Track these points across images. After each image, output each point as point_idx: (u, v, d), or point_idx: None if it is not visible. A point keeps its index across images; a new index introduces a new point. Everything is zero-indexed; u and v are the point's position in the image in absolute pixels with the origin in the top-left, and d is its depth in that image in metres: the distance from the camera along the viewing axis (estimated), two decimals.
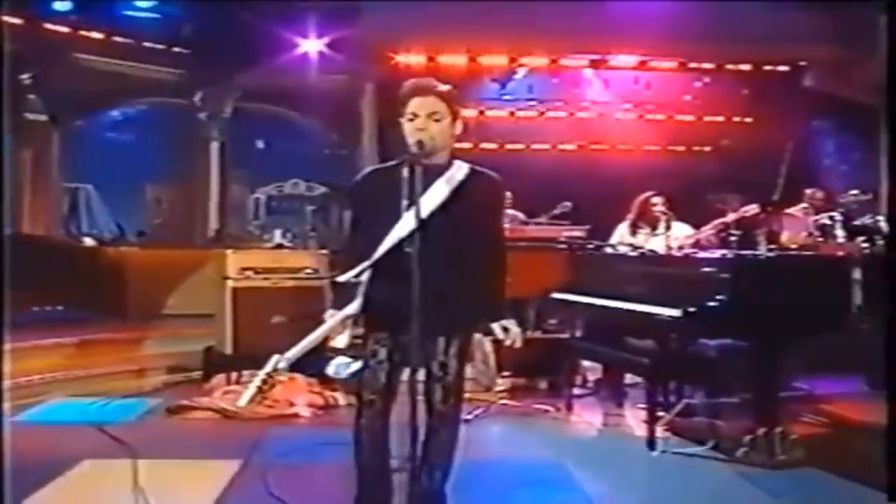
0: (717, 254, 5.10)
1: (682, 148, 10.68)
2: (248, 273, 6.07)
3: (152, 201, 11.73)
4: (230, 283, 6.04)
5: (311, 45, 10.39)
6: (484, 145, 10.49)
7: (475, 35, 9.19)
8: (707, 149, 10.36)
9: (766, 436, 4.29)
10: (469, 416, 4.92)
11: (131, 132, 11.17)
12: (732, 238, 6.18)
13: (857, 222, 6.78)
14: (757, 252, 5.06)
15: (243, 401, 3.00)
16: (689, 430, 4.77)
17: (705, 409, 4.75)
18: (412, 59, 9.32)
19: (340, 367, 3.16)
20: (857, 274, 4.67)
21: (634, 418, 5.36)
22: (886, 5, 2.57)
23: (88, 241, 9.89)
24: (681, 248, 6.35)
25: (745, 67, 9.70)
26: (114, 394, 5.82)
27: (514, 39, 9.20)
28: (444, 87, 3.10)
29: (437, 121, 3.03)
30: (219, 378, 6.06)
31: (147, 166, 10.92)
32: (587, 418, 5.50)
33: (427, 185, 2.98)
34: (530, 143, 10.94)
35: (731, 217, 6.46)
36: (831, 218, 6.84)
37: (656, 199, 6.95)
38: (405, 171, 3.11)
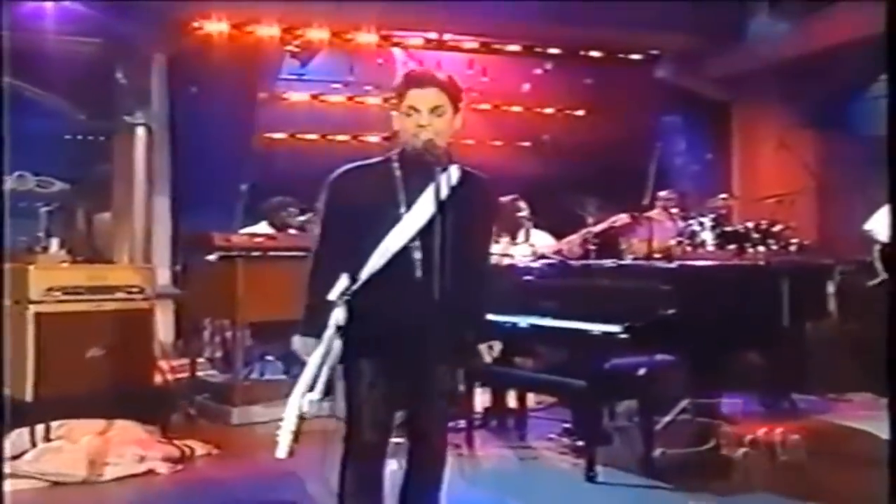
0: (657, 265, 5.52)
1: (528, 143, 11.11)
2: (57, 294, 5.58)
3: None
4: (32, 309, 5.51)
5: None
6: (274, 135, 10.22)
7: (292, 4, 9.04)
8: (544, 138, 10.81)
9: (767, 436, 4.77)
10: None
11: None
12: (593, 247, 6.71)
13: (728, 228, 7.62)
14: (701, 262, 5.55)
15: (282, 451, 2.87)
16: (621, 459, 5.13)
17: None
18: (214, 26, 8.93)
19: (315, 403, 3.08)
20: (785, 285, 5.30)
21: (549, 450, 5.60)
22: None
23: None
24: (543, 257, 6.77)
25: (593, 54, 10.29)
26: None
27: (337, 11, 9.11)
28: (442, 77, 3.17)
29: (440, 115, 3.09)
30: (17, 434, 5.50)
31: None
32: (498, 452, 5.65)
33: (422, 188, 3.02)
34: (334, 132, 10.68)
35: (599, 227, 6.97)
36: (700, 224, 7.63)
37: (521, 204, 7.31)
38: (397, 171, 3.16)
